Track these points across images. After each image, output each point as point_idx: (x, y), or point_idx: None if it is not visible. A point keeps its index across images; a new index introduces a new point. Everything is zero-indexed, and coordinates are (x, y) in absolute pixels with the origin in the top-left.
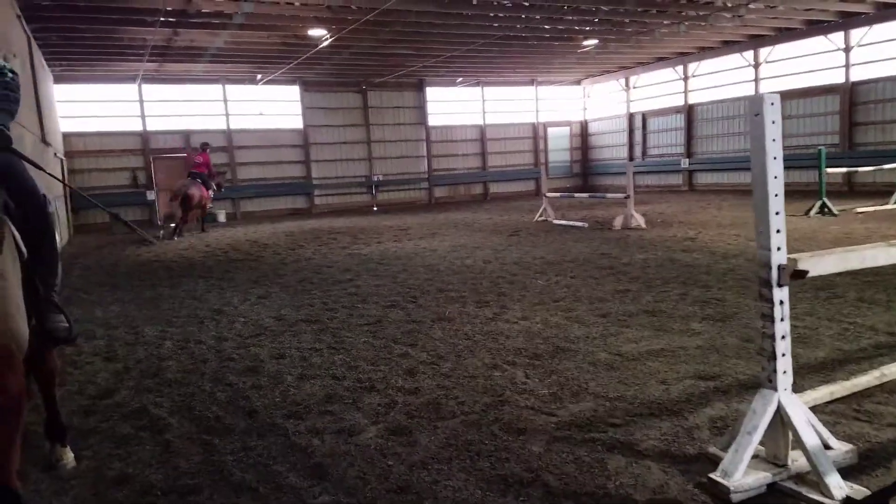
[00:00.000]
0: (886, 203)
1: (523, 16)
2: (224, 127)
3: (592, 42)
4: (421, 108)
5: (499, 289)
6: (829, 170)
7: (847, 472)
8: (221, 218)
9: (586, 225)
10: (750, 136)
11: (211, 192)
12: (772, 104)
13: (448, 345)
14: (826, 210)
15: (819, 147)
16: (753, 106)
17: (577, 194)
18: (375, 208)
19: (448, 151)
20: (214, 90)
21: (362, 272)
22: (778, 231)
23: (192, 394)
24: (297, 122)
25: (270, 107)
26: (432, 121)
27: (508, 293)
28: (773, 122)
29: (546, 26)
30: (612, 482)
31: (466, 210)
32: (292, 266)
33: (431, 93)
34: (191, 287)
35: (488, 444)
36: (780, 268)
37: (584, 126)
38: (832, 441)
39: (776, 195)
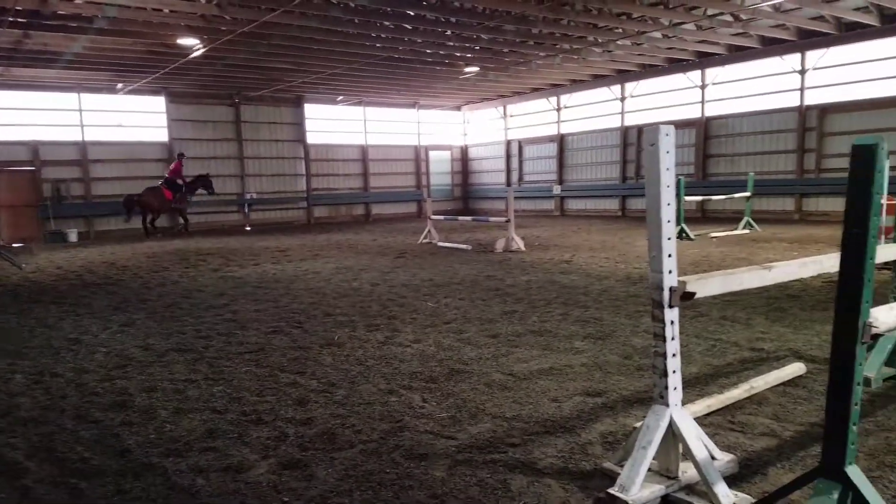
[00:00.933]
0: (735, 228)
1: (406, 38)
2: (79, 138)
3: (473, 69)
4: (299, 124)
5: (389, 312)
6: (687, 198)
7: (730, 482)
8: (73, 237)
9: (470, 247)
10: (645, 165)
11: (180, 195)
12: (666, 135)
13: (340, 371)
14: (685, 235)
15: (679, 177)
16: (649, 136)
17: (460, 217)
18: (249, 228)
19: (329, 170)
20: (69, 99)
21: (239, 296)
22: (669, 255)
23: (52, 433)
24: (162, 135)
25: (132, 118)
26: (311, 138)
27: (399, 316)
28: (668, 152)
29: (428, 50)
30: (516, 503)
31: (349, 231)
32: (157, 290)
33: (311, 110)
34: (42, 314)
35: (390, 473)
36: (671, 290)
37: (464, 151)
38: (716, 452)
39: (668, 221)
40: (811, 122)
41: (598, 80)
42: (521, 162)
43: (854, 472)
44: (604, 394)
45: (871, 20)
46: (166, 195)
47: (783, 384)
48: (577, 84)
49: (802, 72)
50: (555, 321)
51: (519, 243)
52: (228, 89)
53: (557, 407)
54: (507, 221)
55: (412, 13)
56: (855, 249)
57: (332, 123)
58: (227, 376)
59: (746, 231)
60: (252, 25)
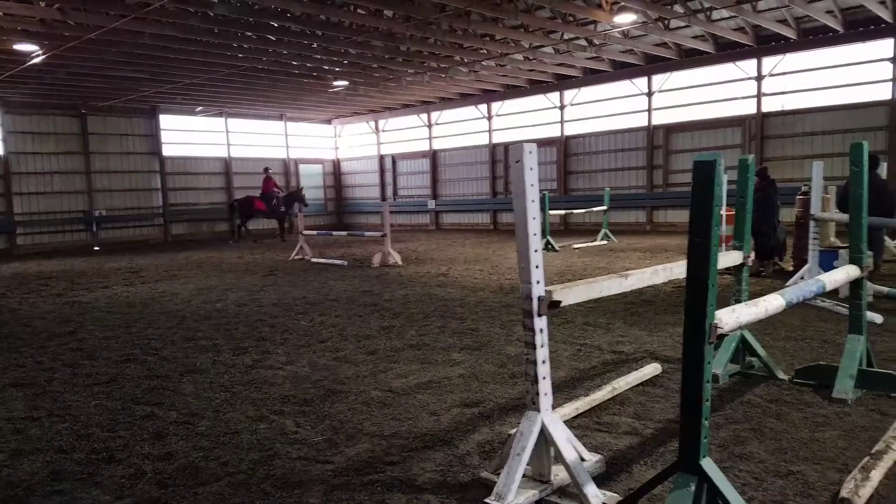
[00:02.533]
0: (595, 240)
1: (270, 49)
2: None
3: (342, 83)
4: (154, 136)
5: (258, 333)
6: (552, 212)
7: (599, 481)
8: None
9: (346, 263)
10: (511, 181)
11: (273, 207)
12: (530, 152)
13: (202, 400)
14: (550, 247)
15: (543, 192)
16: (514, 153)
17: (334, 232)
18: (97, 248)
19: (188, 185)
20: None
21: (86, 323)
22: (537, 266)
23: None
24: None
25: None
26: (168, 151)
27: (269, 337)
28: (531, 169)
29: (294, 63)
30: None
31: (211, 248)
32: None
33: (167, 121)
34: None
35: None
36: (539, 299)
37: (336, 165)
38: (585, 454)
39: (535, 234)
40: (658, 140)
41: (466, 98)
42: (395, 176)
43: (708, 465)
44: (480, 403)
45: (707, 47)
46: (257, 205)
47: (642, 384)
48: (446, 102)
49: (649, 94)
50: (433, 334)
51: (396, 258)
52: (73, 99)
53: (436, 420)
54: (384, 236)
55: (276, 24)
56: (699, 257)
57: (191, 135)
58: (74, 411)
59: (605, 242)
60: (99, 32)
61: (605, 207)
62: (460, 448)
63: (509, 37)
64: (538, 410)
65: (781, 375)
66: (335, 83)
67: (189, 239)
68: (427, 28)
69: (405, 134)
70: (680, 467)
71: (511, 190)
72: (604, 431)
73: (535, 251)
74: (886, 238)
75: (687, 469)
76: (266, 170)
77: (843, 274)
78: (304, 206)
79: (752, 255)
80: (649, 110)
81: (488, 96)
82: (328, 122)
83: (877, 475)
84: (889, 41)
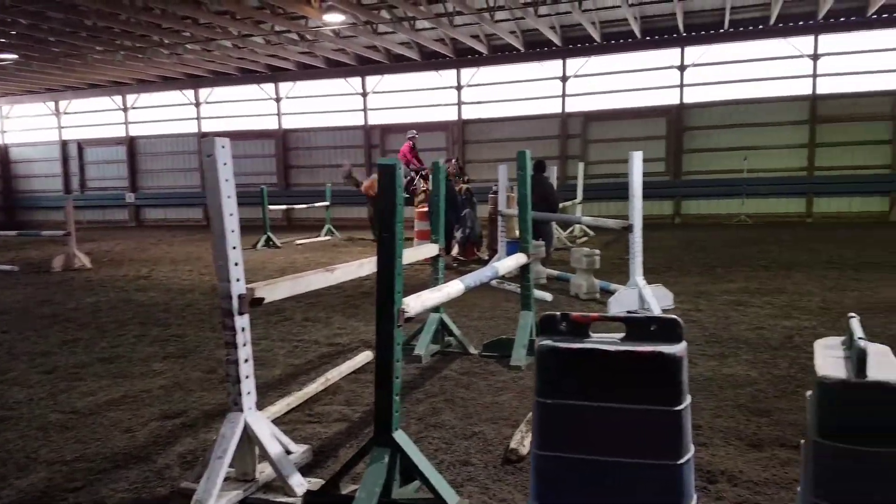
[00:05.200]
0: (319, 235)
1: None
2: None
3: (11, 56)
4: None
5: None
6: (272, 207)
7: (307, 470)
8: None
9: (17, 268)
10: (205, 176)
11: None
12: (223, 147)
13: None
14: (271, 243)
15: (261, 186)
16: (206, 147)
17: (0, 232)
18: None
19: None
20: None
21: None
22: (236, 264)
23: None
24: None
25: None
26: None
27: None
28: (225, 164)
29: None
30: None
31: None
32: None
33: None
34: None
35: None
36: (240, 297)
37: (3, 151)
38: (292, 446)
39: (232, 231)
40: (375, 139)
41: (169, 82)
42: (82, 166)
43: (400, 437)
44: (184, 413)
45: (413, 55)
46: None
47: (355, 372)
48: (145, 84)
49: (364, 94)
50: (129, 345)
51: (83, 260)
52: None
53: (131, 437)
54: (67, 235)
55: None
56: (387, 250)
57: None
58: None
59: (329, 238)
60: None
61: (327, 203)
62: (159, 462)
63: (215, 22)
64: (241, 410)
65: (473, 350)
66: (0, 56)
67: None
68: (117, 2)
69: (95, 118)
70: (376, 442)
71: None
72: (315, 422)
73: (234, 248)
74: (557, 230)
75: (381, 443)
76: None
77: (513, 261)
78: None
79: (456, 247)
80: (365, 110)
81: (195, 82)
82: None
83: None
84: (559, 62)
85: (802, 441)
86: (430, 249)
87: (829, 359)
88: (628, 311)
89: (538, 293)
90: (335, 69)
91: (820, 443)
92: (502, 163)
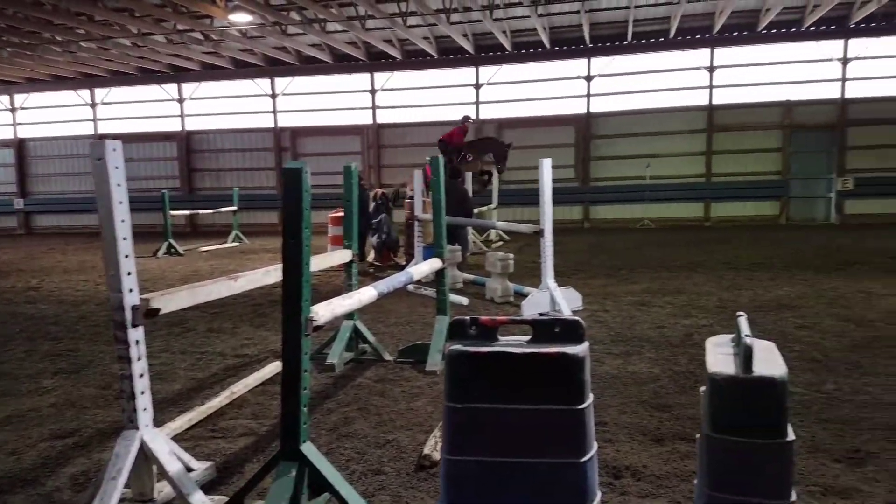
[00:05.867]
0: (225, 242)
1: None
2: None
3: None
4: None
5: None
6: (174, 212)
7: (210, 488)
8: None
9: None
10: (95, 181)
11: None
12: (114, 150)
13: None
14: (173, 250)
15: (163, 190)
16: (95, 151)
17: None
18: None
19: None
20: None
21: None
22: (129, 273)
23: None
24: None
25: None
26: None
27: None
28: (117, 168)
29: None
30: None
31: None
32: None
33: None
34: None
35: None
36: (133, 309)
37: None
38: (193, 463)
39: (124, 238)
40: (285, 142)
41: (63, 81)
42: None
43: (308, 449)
44: (77, 432)
45: (325, 57)
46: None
47: (263, 384)
48: (36, 84)
49: (273, 96)
50: (16, 361)
51: None
52: None
53: (17, 460)
54: None
55: None
56: (293, 256)
57: None
58: None
59: (236, 244)
60: None
61: (234, 208)
62: (48, 485)
63: (112, 19)
64: (137, 428)
65: (388, 357)
66: None
67: None
68: None
69: None
70: (282, 455)
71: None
72: (219, 438)
73: (126, 256)
74: (473, 234)
75: (288, 456)
76: (465, 118)
77: (428, 266)
78: (500, 169)
79: (373, 252)
80: (275, 112)
81: (91, 82)
82: None
83: None
84: (472, 69)
85: (698, 435)
86: (343, 255)
87: (719, 356)
88: (540, 314)
89: (454, 297)
90: (243, 70)
91: (712, 436)
92: (418, 168)
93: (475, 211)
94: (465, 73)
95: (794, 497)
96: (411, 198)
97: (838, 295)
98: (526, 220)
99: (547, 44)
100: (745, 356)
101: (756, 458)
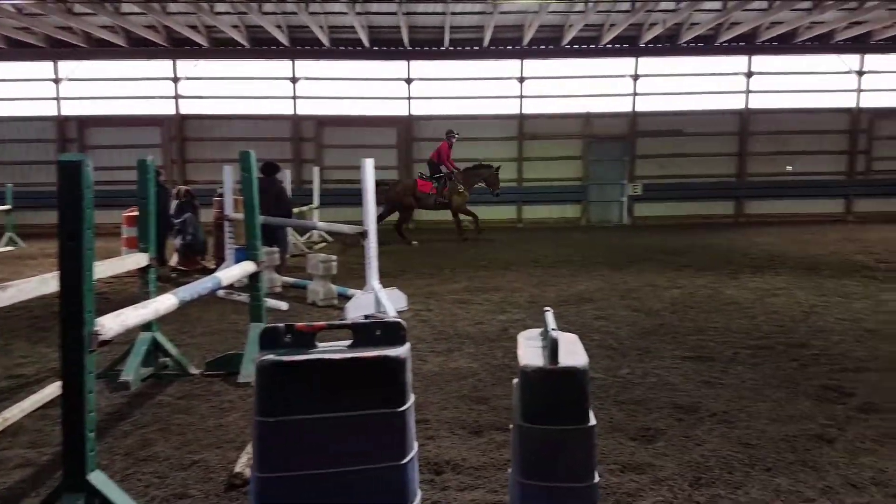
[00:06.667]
0: None
1: None
2: None
3: None
4: None
5: None
6: None
7: None
8: None
9: None
10: None
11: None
12: None
13: None
14: None
15: None
16: None
17: None
18: None
19: None
20: None
21: None
22: None
23: None
24: None
25: None
26: None
27: None
28: None
29: None
30: None
31: None
32: None
33: None
34: None
35: None
36: None
37: None
38: None
39: None
40: (71, 133)
41: None
42: None
43: (97, 478)
44: None
45: (119, 40)
46: (420, 188)
47: (42, 408)
48: None
49: (56, 81)
50: None
51: None
52: None
53: None
54: None
55: None
56: (72, 261)
57: None
58: None
59: (12, 248)
60: None
61: (8, 207)
62: None
63: None
64: None
65: (194, 371)
66: None
67: None
68: None
69: None
70: (66, 487)
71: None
72: None
73: None
74: (294, 235)
75: (73, 487)
76: (449, 133)
77: (239, 269)
78: (494, 192)
79: (176, 256)
80: (58, 98)
81: None
82: None
83: None
84: (288, 62)
85: (511, 426)
86: (138, 259)
87: (529, 349)
88: (364, 316)
89: (273, 302)
90: (18, 50)
91: (523, 426)
92: (229, 163)
93: (294, 211)
94: (281, 66)
95: (596, 478)
96: (221, 195)
97: (630, 288)
98: (349, 221)
99: (367, 42)
100: (551, 349)
101: (562, 445)
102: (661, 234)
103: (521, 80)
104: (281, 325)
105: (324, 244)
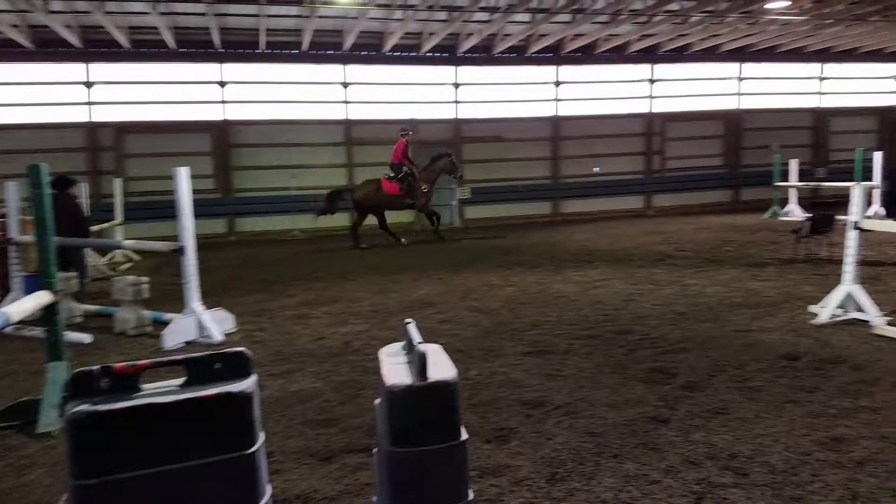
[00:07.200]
0: None
1: None
2: None
3: None
4: None
5: None
6: None
7: None
8: None
9: None
10: None
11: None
12: None
13: None
14: None
15: None
16: None
17: None
18: None
19: None
20: None
21: None
22: None
23: None
24: None
25: None
26: None
27: None
28: None
29: None
30: None
31: None
32: None
33: None
34: None
35: None
36: None
37: None
38: None
39: None
40: None
41: None
42: None
43: None
44: None
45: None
46: (386, 189)
47: None
48: None
49: None
50: None
51: None
52: None
53: None
54: None
55: None
56: None
57: None
58: None
59: None
60: None
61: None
62: None
63: None
64: None
65: None
66: None
67: None
68: None
69: None
70: None
71: None
72: None
73: None
74: (94, 256)
75: None
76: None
77: (32, 301)
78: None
79: None
80: None
81: None
82: None
83: None
84: (82, 66)
85: (375, 450)
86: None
87: (393, 366)
88: (186, 342)
89: (73, 336)
90: None
91: (392, 451)
92: (13, 179)
93: (93, 229)
94: (73, 70)
95: (471, 496)
96: (3, 216)
97: (469, 289)
98: (161, 237)
99: (173, 44)
100: (419, 364)
101: (433, 465)
102: (492, 234)
103: (346, 85)
104: (95, 367)
105: (130, 264)
